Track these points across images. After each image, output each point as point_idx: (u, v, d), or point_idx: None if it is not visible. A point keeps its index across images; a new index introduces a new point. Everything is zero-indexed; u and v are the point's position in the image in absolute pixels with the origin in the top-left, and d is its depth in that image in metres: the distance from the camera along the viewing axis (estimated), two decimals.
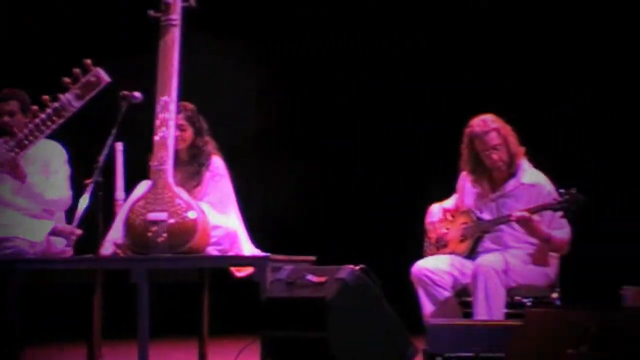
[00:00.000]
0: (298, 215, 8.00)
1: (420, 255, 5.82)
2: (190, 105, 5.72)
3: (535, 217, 5.44)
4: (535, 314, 4.57)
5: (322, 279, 4.80)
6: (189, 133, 5.69)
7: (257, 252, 5.58)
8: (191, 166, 5.66)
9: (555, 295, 5.62)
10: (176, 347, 7.00)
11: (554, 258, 5.62)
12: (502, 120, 5.65)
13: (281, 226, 7.74)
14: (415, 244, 5.99)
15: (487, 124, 5.61)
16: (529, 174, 5.65)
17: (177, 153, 5.48)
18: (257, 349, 4.94)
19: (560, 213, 5.40)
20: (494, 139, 5.58)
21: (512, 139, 5.62)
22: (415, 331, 5.13)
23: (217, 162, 5.73)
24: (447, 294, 5.55)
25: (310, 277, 4.84)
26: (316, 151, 8.14)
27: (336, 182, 8.12)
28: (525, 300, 5.51)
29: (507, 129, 5.63)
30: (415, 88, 8.02)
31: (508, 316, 5.40)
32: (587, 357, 4.20)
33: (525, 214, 5.38)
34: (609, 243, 7.44)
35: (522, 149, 5.65)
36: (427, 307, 5.54)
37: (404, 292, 5.73)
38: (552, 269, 5.62)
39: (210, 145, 5.74)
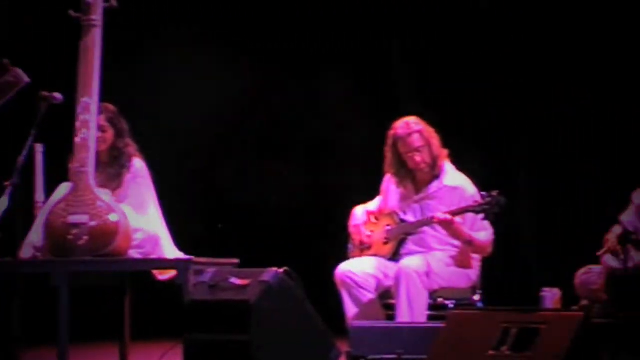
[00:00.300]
0: (222, 217, 7.96)
1: (344, 258, 5.83)
2: (111, 107, 5.65)
3: (458, 219, 5.48)
4: (457, 316, 4.61)
5: (246, 282, 4.78)
6: (110, 134, 5.62)
7: (179, 254, 5.53)
8: (112, 168, 5.58)
9: (476, 297, 5.67)
10: (97, 352, 6.91)
11: (475, 260, 5.67)
12: (425, 122, 5.70)
13: (204, 228, 7.69)
14: (339, 246, 6.00)
15: (410, 127, 5.65)
16: (452, 177, 5.69)
17: (97, 155, 5.41)
18: (180, 352, 4.89)
19: (482, 215, 5.45)
20: (416, 141, 5.62)
21: (435, 141, 5.66)
22: (339, 333, 5.14)
23: (138, 164, 5.66)
24: (370, 296, 5.57)
25: (233, 280, 4.82)
26: (242, 150, 8.11)
27: (260, 184, 8.08)
28: (447, 302, 5.55)
29: (430, 131, 5.67)
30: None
31: (430, 318, 5.44)
32: (507, 358, 4.25)
33: (448, 216, 5.43)
34: (530, 245, 7.54)
35: (444, 151, 5.70)
36: (351, 309, 5.55)
37: (327, 294, 5.73)
38: (474, 271, 5.67)
39: (132, 147, 5.67)
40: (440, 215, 5.45)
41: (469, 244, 5.54)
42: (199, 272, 4.99)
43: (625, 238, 4.75)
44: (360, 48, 7.88)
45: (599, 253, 5.02)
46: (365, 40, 7.87)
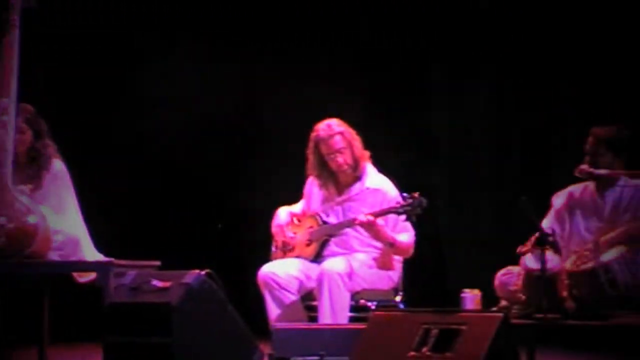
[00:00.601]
0: (142, 219, 7.89)
1: (267, 259, 5.82)
2: (29, 107, 5.57)
3: (379, 220, 5.52)
4: (378, 317, 4.64)
5: (167, 284, 4.75)
6: (28, 136, 5.53)
7: (100, 257, 5.46)
8: (30, 169, 5.50)
9: (398, 298, 5.72)
10: (15, 355, 6.80)
11: (397, 262, 5.72)
12: (347, 124, 5.73)
13: (125, 230, 7.61)
14: (262, 247, 5.99)
15: (331, 128, 5.68)
16: (373, 179, 5.73)
17: (16, 156, 5.32)
18: (100, 355, 4.84)
19: (403, 217, 5.50)
20: (338, 142, 5.65)
21: (357, 142, 5.70)
22: (262, 335, 5.14)
23: (58, 165, 5.58)
24: (293, 298, 5.58)
25: (155, 282, 4.79)
26: (157, 153, 8.05)
27: (181, 185, 8.03)
28: (369, 303, 5.58)
29: (352, 133, 5.71)
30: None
31: (352, 319, 5.47)
32: (428, 358, 4.28)
33: (370, 217, 5.46)
34: (450, 247, 7.61)
35: (366, 153, 5.73)
36: (273, 311, 5.55)
37: (250, 296, 5.72)
38: (395, 273, 5.71)
39: (51, 147, 5.59)
40: (362, 217, 5.48)
41: (391, 245, 5.58)
42: (120, 275, 4.95)
43: (542, 240, 4.82)
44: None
45: (519, 250, 5.09)
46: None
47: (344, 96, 7.48)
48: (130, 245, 6.14)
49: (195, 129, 8.04)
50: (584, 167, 5.16)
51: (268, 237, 5.92)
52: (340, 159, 5.67)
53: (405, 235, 5.61)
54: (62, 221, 5.41)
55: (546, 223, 5.14)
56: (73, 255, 5.38)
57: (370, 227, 5.50)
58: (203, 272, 4.79)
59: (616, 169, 5.17)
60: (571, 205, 5.29)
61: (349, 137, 5.69)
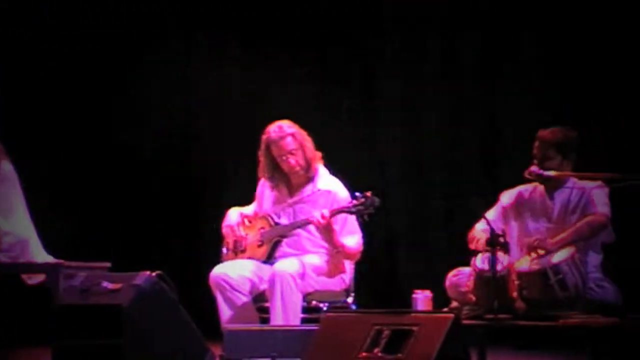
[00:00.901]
0: (92, 220, 7.82)
1: (219, 261, 5.80)
2: None
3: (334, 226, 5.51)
4: (330, 318, 4.64)
5: (118, 286, 4.72)
6: None
7: (49, 258, 5.41)
8: None
9: (350, 299, 5.72)
10: None
11: (349, 263, 5.72)
12: (298, 125, 5.72)
13: (75, 232, 7.55)
14: (213, 249, 5.97)
15: (282, 130, 5.67)
16: (325, 180, 5.73)
17: None
18: (49, 358, 4.80)
19: (353, 218, 5.50)
20: (290, 143, 5.65)
21: (308, 144, 5.69)
22: (213, 337, 5.12)
23: (6, 167, 5.52)
24: (245, 299, 5.55)
25: (105, 284, 4.75)
26: (106, 153, 8.00)
27: (131, 186, 7.98)
28: (321, 304, 5.58)
29: (303, 134, 5.70)
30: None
31: (304, 321, 5.46)
32: (380, 359, 4.29)
33: (325, 211, 5.42)
34: (402, 248, 7.63)
35: (318, 154, 5.73)
36: (225, 312, 5.53)
37: (202, 297, 5.69)
38: (347, 274, 5.72)
39: None
40: (318, 215, 5.46)
41: (339, 249, 5.57)
42: (70, 276, 4.91)
43: (493, 241, 4.85)
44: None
45: (472, 246, 5.12)
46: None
47: (296, 96, 7.50)
48: (80, 247, 6.10)
49: (143, 128, 8.00)
50: (534, 168, 5.20)
51: (219, 238, 5.89)
52: (292, 160, 5.66)
53: (353, 239, 5.60)
54: (11, 223, 5.36)
55: (490, 215, 5.16)
56: (22, 257, 5.33)
57: (324, 227, 5.48)
58: (154, 274, 4.76)
59: (564, 171, 5.22)
60: (519, 206, 5.33)
61: (300, 138, 5.68)
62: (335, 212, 5.51)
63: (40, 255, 5.41)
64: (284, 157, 5.66)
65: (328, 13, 7.72)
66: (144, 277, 4.73)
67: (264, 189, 5.86)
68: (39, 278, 5.24)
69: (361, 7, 7.66)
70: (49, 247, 5.49)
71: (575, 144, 5.22)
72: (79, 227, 7.70)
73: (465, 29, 7.47)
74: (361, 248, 5.64)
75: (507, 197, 5.38)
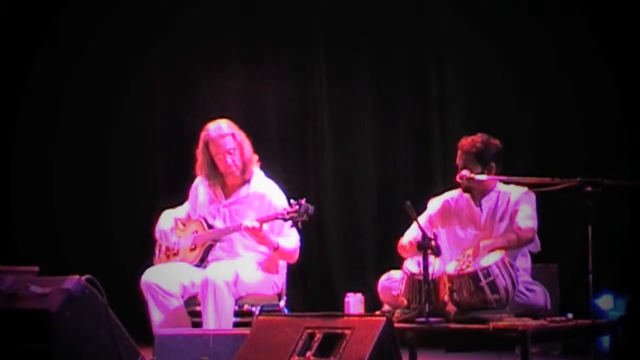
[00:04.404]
0: (20, 223, 7.72)
1: (150, 264, 5.75)
2: None
3: (265, 226, 5.51)
4: (262, 322, 4.63)
5: (46, 290, 4.67)
6: None
7: None
8: None
9: (282, 303, 5.72)
10: None
11: (281, 267, 5.72)
12: (237, 126, 5.71)
13: (2, 235, 7.44)
14: (145, 252, 5.92)
15: (222, 129, 5.65)
16: (260, 183, 5.72)
17: None
18: None
19: (290, 222, 5.50)
20: (228, 143, 5.63)
21: (247, 145, 5.69)
22: (145, 341, 5.07)
23: None
24: (177, 303, 5.52)
25: (33, 288, 4.69)
26: (34, 154, 7.91)
27: (60, 188, 7.89)
28: (253, 308, 5.57)
29: (242, 136, 5.69)
30: None
31: (236, 325, 5.45)
32: None
33: (256, 223, 5.44)
34: (334, 251, 7.65)
35: (255, 157, 5.72)
36: (156, 316, 5.49)
37: (133, 301, 5.65)
38: (280, 278, 5.72)
39: None
40: (248, 223, 5.46)
41: (275, 250, 5.57)
42: None
43: (424, 244, 4.88)
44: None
45: (402, 254, 5.15)
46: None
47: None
48: (7, 250, 6.01)
49: (69, 128, 7.94)
50: (465, 172, 5.24)
51: (151, 241, 5.85)
52: (229, 159, 5.64)
53: (289, 240, 5.61)
54: None
55: (413, 232, 5.19)
56: None
57: (256, 233, 5.48)
58: (83, 278, 4.71)
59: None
60: (445, 213, 5.37)
61: (239, 139, 5.68)
62: (269, 219, 5.50)
63: None
64: (220, 156, 5.65)
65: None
66: (73, 281, 4.68)
67: (198, 188, 5.83)
68: None
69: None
70: None
71: (496, 153, 5.25)
72: (6, 230, 7.60)
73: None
74: (298, 247, 5.64)
75: (433, 205, 5.42)
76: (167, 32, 7.88)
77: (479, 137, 5.26)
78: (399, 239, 5.31)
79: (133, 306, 5.57)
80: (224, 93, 7.70)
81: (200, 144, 5.71)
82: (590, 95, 6.87)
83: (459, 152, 5.28)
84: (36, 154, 7.81)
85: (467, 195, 5.34)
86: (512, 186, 5.29)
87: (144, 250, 5.94)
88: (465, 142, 5.27)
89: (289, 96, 7.75)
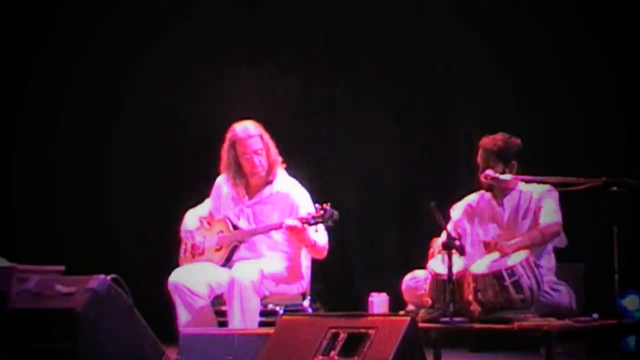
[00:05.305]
0: (47, 223, 7.76)
1: (177, 264, 5.77)
2: None
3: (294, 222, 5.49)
4: (286, 322, 4.63)
5: (72, 290, 4.69)
6: None
7: (2, 261, 5.35)
8: None
9: (306, 302, 5.72)
10: None
11: (306, 267, 5.72)
12: (263, 127, 5.73)
13: (29, 234, 7.49)
14: (172, 251, 5.94)
15: (250, 129, 5.67)
16: (283, 182, 5.73)
17: None
18: None
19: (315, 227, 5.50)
20: (256, 143, 5.64)
21: (273, 147, 5.70)
22: (170, 341, 5.09)
23: None
24: (203, 303, 5.53)
25: (59, 287, 4.72)
26: (60, 154, 7.95)
27: (86, 188, 7.93)
28: (277, 308, 5.57)
29: (268, 137, 5.70)
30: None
31: (261, 324, 5.45)
32: None
33: (297, 222, 5.42)
34: (358, 251, 7.65)
35: (280, 159, 5.73)
36: (184, 316, 5.51)
37: (158, 301, 5.67)
38: (304, 278, 5.72)
39: None
40: (290, 221, 5.44)
41: (312, 247, 5.55)
42: (23, 280, 4.86)
43: (449, 244, 4.87)
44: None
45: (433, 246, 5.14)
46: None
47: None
48: (34, 250, 6.05)
49: (98, 131, 7.97)
50: (490, 172, 5.22)
51: (176, 240, 5.86)
52: (256, 160, 5.65)
53: (321, 236, 5.58)
54: None
55: (444, 236, 5.18)
56: None
57: (297, 231, 5.46)
58: (108, 277, 4.73)
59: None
60: (469, 216, 5.36)
61: (266, 140, 5.69)
62: (303, 223, 5.48)
63: None
64: (247, 156, 5.65)
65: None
66: (98, 280, 4.70)
67: (221, 187, 5.84)
68: None
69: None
70: (1, 250, 5.43)
71: (517, 151, 5.24)
72: (32, 230, 7.64)
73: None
74: (327, 245, 5.63)
75: (455, 212, 5.41)
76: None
77: (500, 136, 5.25)
78: (423, 238, 5.30)
79: (159, 305, 5.59)
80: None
81: (226, 144, 5.72)
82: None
83: (480, 151, 5.27)
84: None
85: (488, 195, 5.33)
86: (533, 185, 5.27)
87: (170, 250, 5.94)
88: (487, 140, 5.26)
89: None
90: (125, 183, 7.94)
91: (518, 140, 5.26)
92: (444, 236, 5.10)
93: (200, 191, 5.98)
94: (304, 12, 7.75)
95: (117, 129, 7.95)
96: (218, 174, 5.84)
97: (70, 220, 7.85)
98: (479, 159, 5.27)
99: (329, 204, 5.42)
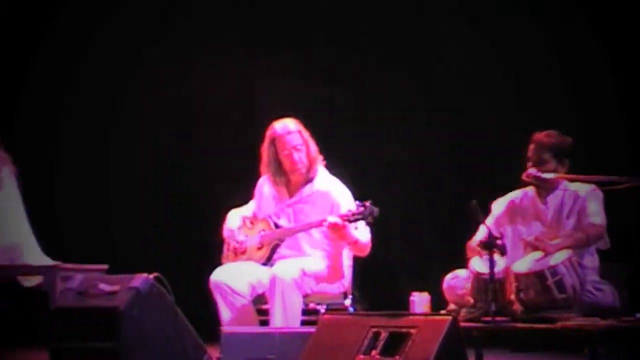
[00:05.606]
0: (90, 222, 7.82)
1: (219, 263, 5.79)
2: None
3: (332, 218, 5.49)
4: (328, 321, 4.63)
5: (115, 288, 4.72)
6: None
7: (46, 261, 5.41)
8: None
9: (348, 301, 5.72)
10: None
11: (347, 266, 5.72)
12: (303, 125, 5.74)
13: (73, 234, 7.55)
14: (212, 250, 5.96)
15: (288, 126, 5.67)
16: (324, 181, 5.72)
17: None
18: None
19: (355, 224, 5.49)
20: (295, 139, 5.64)
21: (312, 144, 5.69)
22: (211, 339, 5.11)
23: (5, 174, 5.52)
24: (244, 301, 5.55)
25: (102, 286, 4.75)
26: (103, 155, 8.01)
27: (129, 187, 7.98)
28: (319, 306, 5.58)
29: (308, 134, 5.70)
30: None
31: (302, 323, 5.46)
32: None
33: (339, 220, 5.41)
34: (400, 250, 7.64)
35: (320, 156, 5.72)
36: (225, 314, 5.52)
37: (201, 300, 5.69)
38: (345, 277, 5.71)
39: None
40: (331, 219, 5.43)
41: (354, 244, 5.55)
42: (67, 278, 4.90)
43: (489, 243, 4.85)
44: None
45: (471, 245, 5.12)
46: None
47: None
48: (78, 249, 6.09)
49: (145, 129, 8.01)
50: (532, 171, 5.19)
51: (218, 240, 5.89)
52: (296, 156, 5.65)
53: (363, 233, 5.56)
54: (8, 226, 5.36)
55: (480, 234, 5.16)
56: (18, 259, 5.33)
57: (339, 228, 5.45)
58: (151, 276, 4.76)
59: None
60: (511, 213, 5.33)
61: (305, 136, 5.69)
62: (344, 220, 5.47)
63: (37, 258, 5.41)
64: (287, 153, 5.65)
65: None
66: (141, 279, 4.73)
67: (263, 188, 5.85)
68: (36, 280, 5.24)
69: None
70: (46, 250, 5.49)
71: (570, 150, 5.21)
72: (76, 230, 7.70)
73: None
74: (370, 242, 5.62)
75: (498, 206, 5.38)
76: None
77: (553, 132, 5.22)
78: (464, 237, 5.28)
79: (200, 304, 5.61)
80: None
81: (266, 142, 5.72)
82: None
83: (532, 146, 5.23)
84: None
85: (532, 192, 5.29)
86: (578, 184, 5.23)
87: (212, 249, 5.96)
88: (541, 135, 5.23)
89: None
90: (169, 182, 7.99)
91: (571, 139, 5.23)
92: (480, 234, 5.08)
93: (245, 191, 6.00)
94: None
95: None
96: (259, 175, 5.86)
97: (118, 219, 7.92)
98: (530, 153, 5.23)
99: (369, 201, 5.41)
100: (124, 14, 7.90)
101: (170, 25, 7.93)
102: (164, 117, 8.04)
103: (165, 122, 8.05)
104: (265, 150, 5.73)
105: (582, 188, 5.21)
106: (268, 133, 5.72)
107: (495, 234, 4.91)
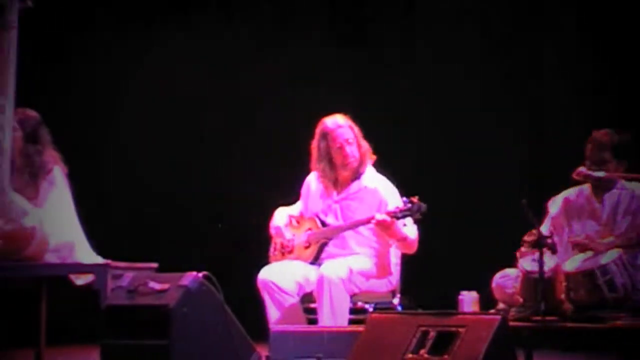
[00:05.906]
0: (140, 221, 7.89)
1: (265, 261, 5.81)
2: (33, 114, 5.58)
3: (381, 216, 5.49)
4: (376, 319, 4.63)
5: (165, 287, 4.75)
6: (18, 134, 5.49)
7: (97, 259, 5.46)
8: (26, 174, 5.49)
9: (396, 300, 5.71)
10: (12, 357, 6.80)
11: (395, 265, 5.71)
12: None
13: (123, 232, 7.61)
14: (261, 250, 5.98)
15: (339, 120, 5.67)
16: (371, 178, 5.71)
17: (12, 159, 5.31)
18: (97, 358, 4.84)
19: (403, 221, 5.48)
20: (346, 133, 5.64)
21: (363, 140, 5.68)
22: (260, 338, 5.13)
23: (57, 173, 5.58)
24: (292, 300, 5.56)
25: (152, 284, 4.78)
26: (153, 154, 8.06)
27: (178, 187, 8.03)
28: (367, 305, 5.57)
29: (358, 129, 5.69)
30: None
31: (350, 322, 5.46)
32: None
33: (387, 217, 5.40)
34: (448, 249, 7.60)
35: (370, 152, 5.71)
36: (273, 313, 5.54)
37: (249, 298, 5.71)
38: (393, 275, 5.70)
39: (50, 155, 5.58)
40: (379, 216, 5.43)
41: (403, 240, 5.53)
42: (117, 277, 4.94)
43: (540, 242, 4.82)
44: None
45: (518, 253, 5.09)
46: None
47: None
48: (128, 247, 6.14)
49: (188, 129, 8.06)
50: (582, 169, 5.15)
51: (266, 239, 5.90)
52: (348, 149, 5.64)
53: (411, 230, 5.55)
54: (59, 225, 5.41)
55: (543, 229, 5.12)
56: (69, 258, 5.39)
57: (387, 226, 5.44)
58: (201, 274, 4.78)
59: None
60: (568, 211, 5.29)
61: (356, 131, 5.69)
62: (391, 216, 5.46)
63: (88, 256, 5.46)
64: (339, 146, 5.65)
65: None
66: (190, 277, 4.75)
67: (310, 185, 5.85)
68: (87, 279, 5.29)
69: None
70: (97, 248, 5.54)
71: (628, 148, 5.16)
72: (127, 228, 7.77)
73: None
74: (417, 236, 5.60)
75: (554, 206, 5.34)
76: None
77: (613, 131, 5.18)
78: (514, 236, 5.25)
79: (249, 303, 5.63)
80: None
81: (317, 137, 5.72)
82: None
83: (590, 145, 5.18)
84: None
85: (587, 190, 5.25)
86: (635, 183, 5.18)
87: (260, 247, 5.98)
88: (600, 134, 5.18)
89: None
90: (215, 180, 8.03)
91: (629, 136, 5.18)
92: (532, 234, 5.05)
93: (291, 190, 6.01)
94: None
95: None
96: (307, 172, 5.86)
97: (167, 218, 7.98)
98: (589, 152, 5.18)
99: (417, 197, 5.39)
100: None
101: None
102: (210, 110, 8.08)
103: (211, 117, 8.09)
104: (316, 145, 5.72)
105: (637, 187, 5.16)
106: (318, 129, 5.72)
107: (551, 228, 4.87)
